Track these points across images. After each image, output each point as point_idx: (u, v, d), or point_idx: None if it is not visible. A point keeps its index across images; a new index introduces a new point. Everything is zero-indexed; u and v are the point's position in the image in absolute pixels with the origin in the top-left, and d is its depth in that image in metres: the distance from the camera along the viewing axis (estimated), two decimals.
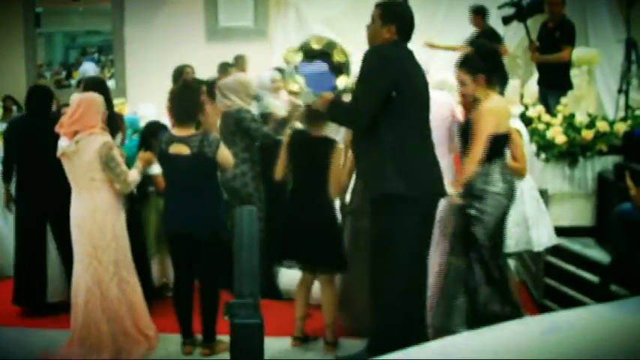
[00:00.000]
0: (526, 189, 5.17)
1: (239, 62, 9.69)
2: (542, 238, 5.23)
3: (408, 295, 4.26)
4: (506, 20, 8.43)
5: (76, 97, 4.84)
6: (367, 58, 4.13)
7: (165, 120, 5.64)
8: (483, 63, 4.64)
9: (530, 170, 5.55)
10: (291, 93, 4.39)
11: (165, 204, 5.02)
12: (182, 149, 4.66)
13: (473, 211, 4.51)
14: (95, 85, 5.59)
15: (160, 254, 5.97)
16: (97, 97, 4.81)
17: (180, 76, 6.70)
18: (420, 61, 4.45)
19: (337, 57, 4.46)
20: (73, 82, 14.73)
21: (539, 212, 5.23)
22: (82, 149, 4.62)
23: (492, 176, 4.52)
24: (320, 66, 4.54)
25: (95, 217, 4.66)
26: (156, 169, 5.06)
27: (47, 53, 16.56)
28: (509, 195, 4.60)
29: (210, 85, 5.92)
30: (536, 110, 6.52)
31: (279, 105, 6.46)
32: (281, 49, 7.45)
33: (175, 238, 4.89)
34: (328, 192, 4.81)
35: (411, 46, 4.30)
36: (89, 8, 15.26)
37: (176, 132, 4.75)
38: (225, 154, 4.76)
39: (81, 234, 4.70)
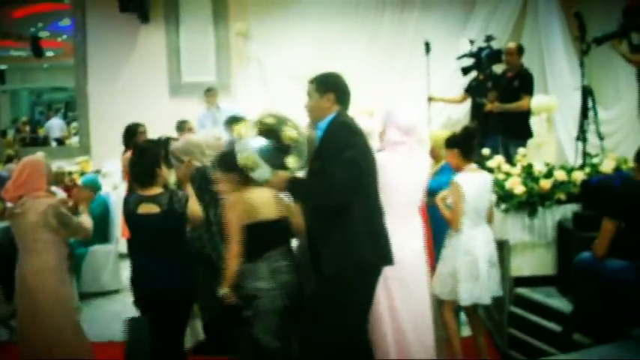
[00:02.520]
0: (479, 244, 5.10)
1: (209, 94, 9.99)
2: (492, 290, 5.15)
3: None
4: (466, 71, 8.55)
5: (20, 162, 4.87)
6: (335, 132, 4.06)
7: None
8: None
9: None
10: (245, 167, 4.19)
11: (136, 265, 4.80)
12: (151, 208, 4.58)
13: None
14: None
15: None
16: (41, 160, 4.81)
17: (133, 134, 6.67)
18: None
19: (288, 136, 4.21)
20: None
21: (491, 266, 5.14)
22: (27, 212, 4.63)
23: (259, 272, 4.40)
24: (269, 143, 4.31)
25: (37, 280, 4.63)
26: None
27: (12, 110, 16.50)
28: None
29: (165, 145, 5.89)
30: (496, 160, 6.55)
31: None
32: (244, 102, 7.44)
33: (147, 298, 4.66)
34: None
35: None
36: (54, 64, 15.29)
37: (143, 193, 4.66)
38: (194, 208, 4.69)
39: (24, 295, 4.67)
